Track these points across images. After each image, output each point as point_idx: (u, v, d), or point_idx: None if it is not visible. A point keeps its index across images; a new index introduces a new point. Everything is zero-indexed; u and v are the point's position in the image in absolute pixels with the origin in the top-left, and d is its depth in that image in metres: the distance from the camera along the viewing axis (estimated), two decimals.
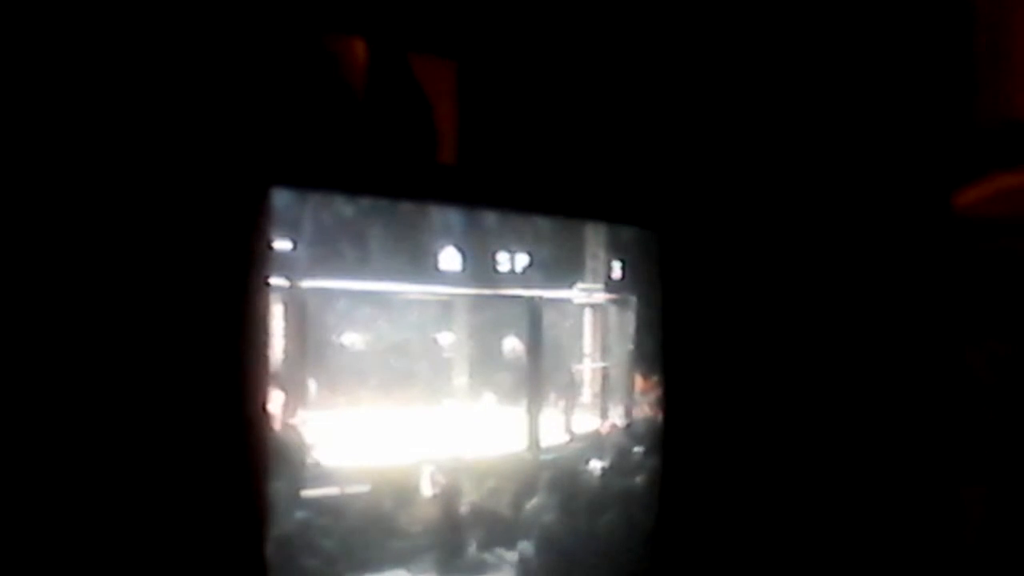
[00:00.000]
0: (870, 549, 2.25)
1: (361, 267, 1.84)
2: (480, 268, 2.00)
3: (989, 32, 2.17)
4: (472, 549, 1.95)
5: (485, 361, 2.04)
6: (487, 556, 1.96)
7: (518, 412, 2.06)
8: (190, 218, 1.55)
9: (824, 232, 2.28)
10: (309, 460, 1.78)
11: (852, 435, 2.27)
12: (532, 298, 2.08)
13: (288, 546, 1.68)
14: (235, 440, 1.58)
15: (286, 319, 1.74)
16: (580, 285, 2.17)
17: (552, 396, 2.12)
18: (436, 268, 1.95)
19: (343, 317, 1.85)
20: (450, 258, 1.96)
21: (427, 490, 1.91)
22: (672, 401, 2.14)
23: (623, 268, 2.20)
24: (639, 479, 2.16)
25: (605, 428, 2.18)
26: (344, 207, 1.80)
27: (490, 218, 2.01)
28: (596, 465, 2.14)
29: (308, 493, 1.76)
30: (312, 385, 1.81)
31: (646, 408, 2.17)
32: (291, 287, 1.74)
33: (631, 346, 2.20)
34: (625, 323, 2.21)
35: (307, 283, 1.77)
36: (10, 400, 1.41)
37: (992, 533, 2.23)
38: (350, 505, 1.81)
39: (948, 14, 2.22)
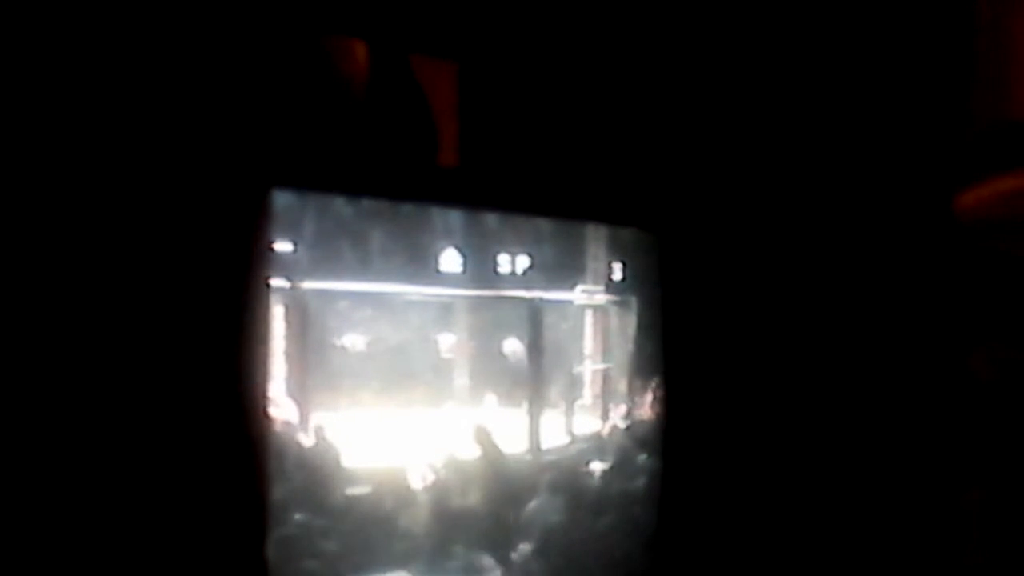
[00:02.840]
0: (870, 551, 2.25)
1: (362, 268, 1.84)
2: (481, 270, 2.00)
3: (989, 33, 2.18)
4: (473, 551, 1.94)
5: (486, 363, 2.03)
6: (488, 558, 1.96)
7: (519, 414, 2.05)
8: (191, 219, 1.55)
9: (824, 234, 2.29)
10: (310, 461, 1.77)
11: (853, 437, 2.27)
12: (533, 300, 2.08)
13: (289, 547, 1.68)
14: (236, 442, 1.58)
15: (287, 320, 1.74)
16: (581, 287, 2.17)
17: (553, 398, 2.12)
18: (437, 270, 1.95)
19: (344, 318, 1.85)
20: (451, 260, 1.96)
21: (427, 491, 1.90)
22: (673, 403, 2.14)
23: (624, 270, 2.20)
24: (640, 481, 2.16)
25: (606, 430, 2.18)
26: (345, 208, 1.80)
27: (491, 220, 2.01)
28: (597, 467, 2.14)
29: (309, 494, 1.75)
30: (313, 386, 1.81)
31: (647, 410, 2.18)
32: (292, 288, 1.74)
33: (632, 348, 2.20)
34: (626, 325, 2.21)
35: (308, 284, 1.77)
36: (10, 402, 1.41)
37: (992, 536, 2.23)
38: (351, 507, 1.81)
39: (948, 14, 2.22)
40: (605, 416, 2.17)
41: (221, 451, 1.56)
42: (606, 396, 2.18)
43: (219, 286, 1.57)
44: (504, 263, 2.04)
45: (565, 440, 2.14)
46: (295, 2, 1.75)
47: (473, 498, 1.95)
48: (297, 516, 1.72)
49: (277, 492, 1.66)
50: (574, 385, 2.17)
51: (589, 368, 2.19)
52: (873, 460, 2.26)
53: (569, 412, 2.14)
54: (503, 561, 1.98)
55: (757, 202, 2.27)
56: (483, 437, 1.97)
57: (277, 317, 1.69)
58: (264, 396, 1.62)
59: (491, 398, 2.03)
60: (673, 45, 2.21)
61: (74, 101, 1.48)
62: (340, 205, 1.80)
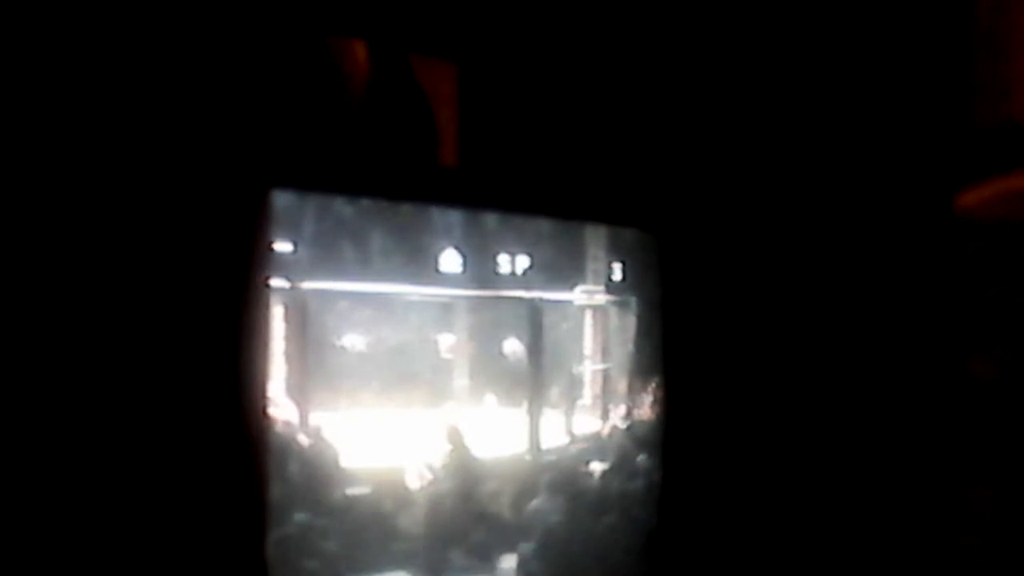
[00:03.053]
0: (873, 552, 2.25)
1: (362, 269, 1.84)
2: (481, 270, 2.00)
3: (989, 33, 2.17)
4: (473, 551, 1.95)
5: (486, 363, 2.03)
6: (488, 558, 1.96)
7: (519, 414, 2.06)
8: (191, 219, 1.55)
9: (825, 234, 2.28)
10: (309, 461, 1.78)
11: (854, 437, 2.27)
12: (533, 300, 2.08)
13: (288, 547, 1.68)
14: (235, 442, 1.58)
15: (287, 321, 1.74)
16: (581, 287, 2.17)
17: (553, 398, 2.12)
18: (437, 270, 1.96)
19: (344, 319, 1.85)
20: (451, 260, 1.96)
21: (427, 492, 1.91)
22: (673, 403, 2.14)
23: (624, 270, 2.20)
24: (639, 481, 2.16)
25: (606, 430, 2.18)
26: (345, 208, 1.80)
27: (491, 220, 2.01)
28: (597, 467, 2.14)
29: (308, 494, 1.76)
30: (313, 386, 1.81)
31: (647, 410, 2.17)
32: (292, 288, 1.74)
33: (632, 348, 2.20)
34: (626, 325, 2.21)
35: (308, 285, 1.77)
36: (12, 402, 1.42)
37: (997, 536, 2.23)
38: (350, 507, 1.81)
39: (948, 15, 2.22)
40: (605, 416, 2.17)
41: (221, 451, 1.56)
42: (606, 396, 2.18)
43: (219, 286, 1.57)
44: (504, 263, 2.04)
45: (565, 440, 2.14)
46: (295, 2, 1.75)
47: (461, 498, 1.95)
48: (297, 516, 1.72)
49: (277, 492, 1.66)
50: (574, 385, 2.17)
51: (589, 368, 2.19)
52: (872, 460, 2.26)
53: (569, 412, 2.14)
54: (502, 561, 1.98)
55: (757, 202, 2.27)
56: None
57: (277, 317, 1.69)
58: (264, 396, 1.62)
59: (491, 398, 2.03)
60: (673, 46, 2.21)
61: (74, 101, 1.48)
62: (340, 205, 1.80)
